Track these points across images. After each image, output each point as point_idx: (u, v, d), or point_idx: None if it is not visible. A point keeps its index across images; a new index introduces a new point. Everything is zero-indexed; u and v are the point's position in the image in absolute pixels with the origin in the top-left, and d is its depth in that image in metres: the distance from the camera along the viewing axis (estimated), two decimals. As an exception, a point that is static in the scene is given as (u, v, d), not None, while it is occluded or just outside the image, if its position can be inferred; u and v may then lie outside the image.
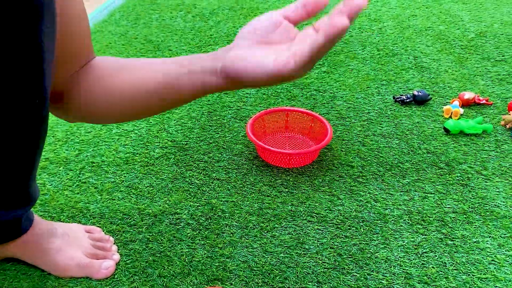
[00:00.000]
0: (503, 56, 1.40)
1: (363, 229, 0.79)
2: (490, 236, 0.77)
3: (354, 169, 0.93)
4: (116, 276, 0.70)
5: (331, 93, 1.20)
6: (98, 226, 0.78)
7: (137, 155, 0.96)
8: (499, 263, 0.72)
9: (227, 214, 0.82)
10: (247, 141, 1.01)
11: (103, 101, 0.57)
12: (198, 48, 1.44)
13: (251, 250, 0.75)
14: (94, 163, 0.94)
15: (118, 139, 1.01)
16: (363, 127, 1.06)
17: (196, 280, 0.70)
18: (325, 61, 1.37)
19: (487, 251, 0.74)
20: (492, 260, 0.73)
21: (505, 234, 0.77)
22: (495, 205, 0.83)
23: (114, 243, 0.75)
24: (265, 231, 0.78)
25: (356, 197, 0.85)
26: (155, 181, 0.89)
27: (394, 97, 1.17)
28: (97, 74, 0.58)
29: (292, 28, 0.45)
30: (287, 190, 0.88)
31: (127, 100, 0.55)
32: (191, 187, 0.88)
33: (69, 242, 0.71)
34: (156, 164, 0.94)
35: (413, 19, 1.68)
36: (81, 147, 0.98)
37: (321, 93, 1.20)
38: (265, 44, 0.44)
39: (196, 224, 0.80)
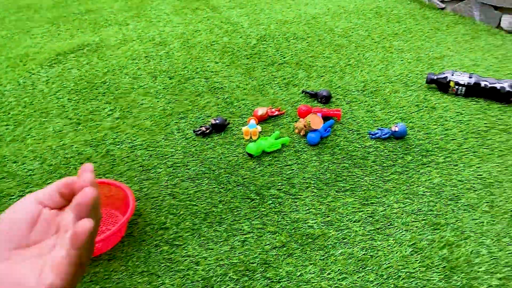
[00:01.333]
0: (284, 58, 1.47)
1: (191, 303, 0.73)
2: (311, 263, 0.78)
3: (169, 231, 0.86)
4: None
5: (129, 143, 1.10)
6: None
7: None
8: (324, 291, 0.73)
9: None
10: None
11: None
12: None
13: None
14: None
15: None
16: (170, 175, 1.00)
17: None
18: (116, 105, 1.25)
19: (312, 282, 0.75)
20: (317, 291, 0.73)
21: (323, 256, 0.79)
22: (308, 226, 0.85)
23: None
24: None
25: (176, 267, 0.78)
26: None
27: (194, 131, 1.13)
28: None
29: (54, 216, 0.37)
30: (99, 287, 0.76)
31: None
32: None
33: None
34: None
35: (198, 34, 1.67)
36: None
37: (118, 146, 1.09)
38: (24, 249, 0.36)
39: None
